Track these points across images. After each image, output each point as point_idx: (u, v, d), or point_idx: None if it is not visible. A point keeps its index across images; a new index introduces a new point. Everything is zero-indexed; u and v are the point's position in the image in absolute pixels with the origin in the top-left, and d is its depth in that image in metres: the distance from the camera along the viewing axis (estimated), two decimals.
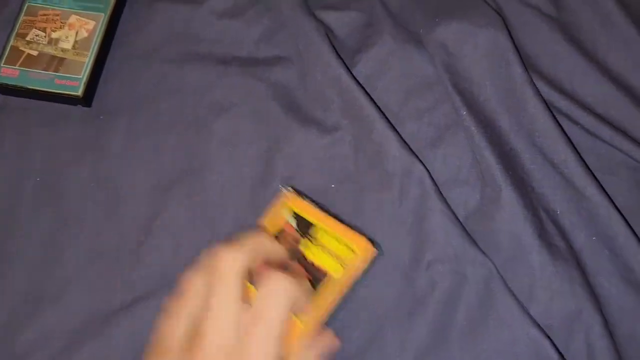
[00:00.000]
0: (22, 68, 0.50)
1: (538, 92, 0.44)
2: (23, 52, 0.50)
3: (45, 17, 0.51)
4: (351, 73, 0.47)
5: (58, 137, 0.49)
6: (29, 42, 0.50)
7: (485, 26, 0.45)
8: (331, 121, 0.48)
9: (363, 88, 0.46)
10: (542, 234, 0.42)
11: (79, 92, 0.48)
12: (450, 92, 0.45)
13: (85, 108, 0.50)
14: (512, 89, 0.45)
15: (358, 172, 0.46)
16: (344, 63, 0.47)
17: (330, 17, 0.51)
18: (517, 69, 0.45)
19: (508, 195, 0.42)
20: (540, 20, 0.47)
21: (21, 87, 0.49)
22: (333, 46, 0.48)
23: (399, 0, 0.50)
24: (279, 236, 0.39)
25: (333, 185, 0.46)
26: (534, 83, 0.45)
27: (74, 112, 0.50)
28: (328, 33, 0.49)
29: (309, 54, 0.49)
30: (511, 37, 0.46)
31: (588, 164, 0.43)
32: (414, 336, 0.41)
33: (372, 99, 0.46)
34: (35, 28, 0.51)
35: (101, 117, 0.50)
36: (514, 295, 0.41)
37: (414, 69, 0.47)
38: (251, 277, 0.33)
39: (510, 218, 0.42)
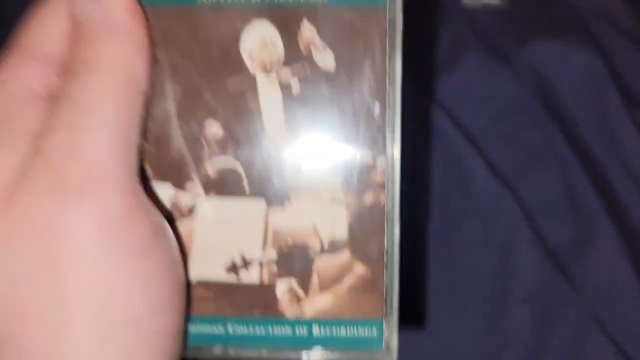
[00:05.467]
0: None
1: (636, 125, 0.42)
2: None
3: None
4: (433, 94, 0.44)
5: None
6: None
7: (582, 49, 0.43)
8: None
9: (446, 110, 0.44)
10: None
11: None
12: (543, 118, 0.42)
13: None
14: (609, 118, 0.42)
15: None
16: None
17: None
18: (615, 98, 0.42)
19: (605, 230, 0.39)
20: (638, 47, 0.45)
21: None
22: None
23: (486, 18, 0.47)
24: None
25: None
26: (633, 114, 0.42)
27: None
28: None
29: None
30: (608, 64, 0.43)
31: None
32: None
33: (455, 121, 0.43)
34: None
35: None
36: (610, 341, 0.37)
37: (500, 91, 0.45)
38: None
39: (607, 255, 0.39)
